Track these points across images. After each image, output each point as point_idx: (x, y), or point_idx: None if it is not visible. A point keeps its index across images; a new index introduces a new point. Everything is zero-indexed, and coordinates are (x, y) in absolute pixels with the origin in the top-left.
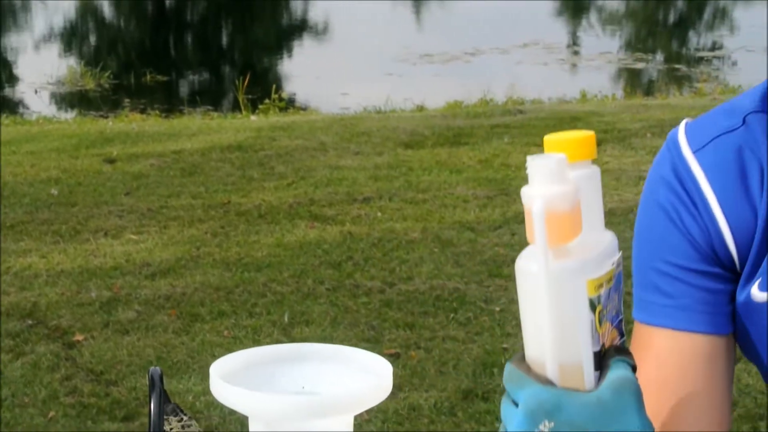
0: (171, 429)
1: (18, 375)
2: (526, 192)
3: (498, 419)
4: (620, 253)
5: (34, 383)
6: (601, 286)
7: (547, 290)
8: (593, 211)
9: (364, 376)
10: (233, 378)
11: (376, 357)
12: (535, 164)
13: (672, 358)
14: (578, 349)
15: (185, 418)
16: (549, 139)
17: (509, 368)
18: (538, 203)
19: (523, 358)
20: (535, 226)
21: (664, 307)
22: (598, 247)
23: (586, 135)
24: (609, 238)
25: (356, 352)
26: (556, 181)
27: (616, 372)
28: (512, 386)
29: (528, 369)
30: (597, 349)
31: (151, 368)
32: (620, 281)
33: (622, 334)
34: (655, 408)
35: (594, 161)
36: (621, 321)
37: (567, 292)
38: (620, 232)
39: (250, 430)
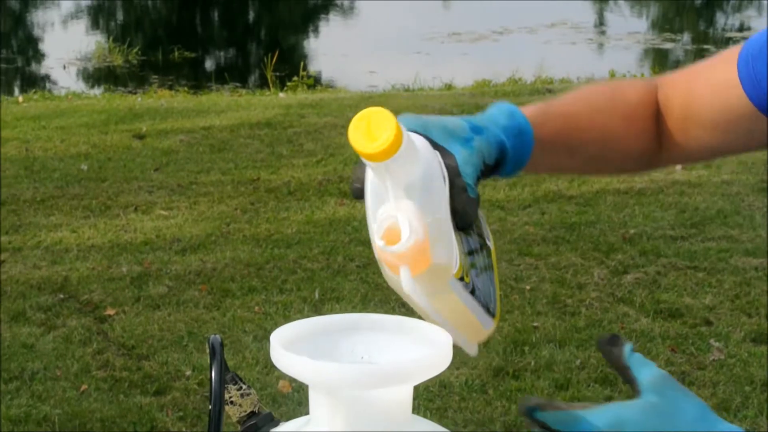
0: (230, 397)
1: (50, 348)
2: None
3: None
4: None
5: (66, 357)
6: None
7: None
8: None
9: (424, 346)
10: (293, 346)
11: (436, 328)
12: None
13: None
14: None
15: (244, 387)
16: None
17: (558, 415)
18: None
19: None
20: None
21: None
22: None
23: (393, 135)
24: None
25: (416, 323)
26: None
27: (645, 372)
28: (569, 425)
29: (568, 404)
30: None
31: (212, 336)
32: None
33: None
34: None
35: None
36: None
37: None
38: (650, 212)
39: (310, 398)
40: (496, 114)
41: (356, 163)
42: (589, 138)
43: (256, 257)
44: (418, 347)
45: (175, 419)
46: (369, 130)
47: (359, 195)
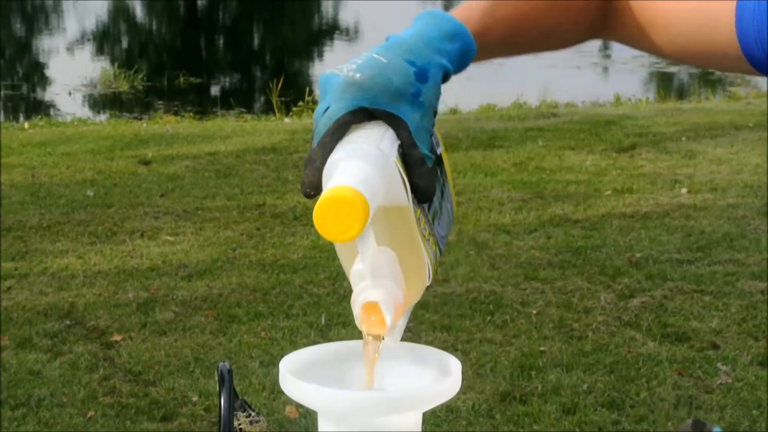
0: (239, 425)
1: (56, 375)
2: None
3: (536, 421)
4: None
5: (72, 383)
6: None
7: None
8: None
9: (433, 373)
10: (302, 374)
11: (445, 354)
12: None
13: None
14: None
15: (253, 414)
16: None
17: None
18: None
19: None
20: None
21: None
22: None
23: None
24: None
25: (425, 350)
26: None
27: None
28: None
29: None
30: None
31: (220, 364)
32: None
33: None
34: None
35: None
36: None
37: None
38: (656, 236)
39: (318, 425)
40: (436, 37)
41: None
42: (532, 36)
43: (263, 282)
44: (428, 374)
45: None
46: (334, 216)
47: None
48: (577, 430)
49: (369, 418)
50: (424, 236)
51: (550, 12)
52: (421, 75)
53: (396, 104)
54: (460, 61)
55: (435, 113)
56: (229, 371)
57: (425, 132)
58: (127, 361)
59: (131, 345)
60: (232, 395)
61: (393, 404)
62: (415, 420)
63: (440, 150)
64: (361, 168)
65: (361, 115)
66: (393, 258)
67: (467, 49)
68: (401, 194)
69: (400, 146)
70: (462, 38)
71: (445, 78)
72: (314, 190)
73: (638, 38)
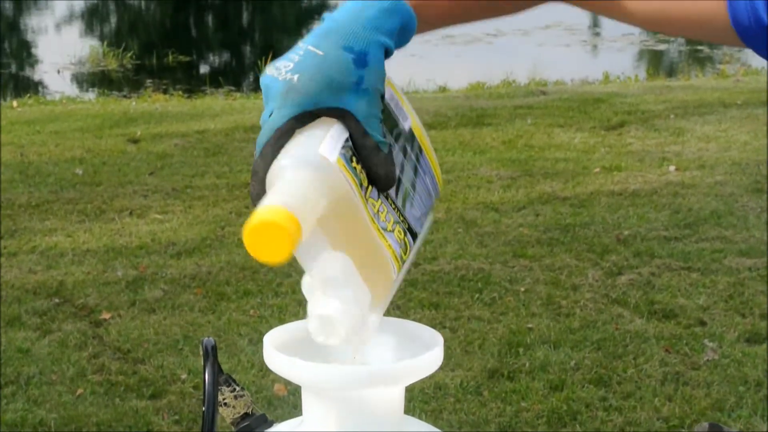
0: (224, 399)
1: (45, 353)
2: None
3: (524, 397)
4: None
5: (61, 361)
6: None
7: None
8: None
9: (415, 347)
10: (286, 348)
11: (427, 329)
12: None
13: None
14: None
15: (238, 388)
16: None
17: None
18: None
19: None
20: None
21: None
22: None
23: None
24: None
25: (407, 324)
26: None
27: None
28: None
29: None
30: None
31: (205, 339)
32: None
33: None
34: None
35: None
36: None
37: None
38: (644, 213)
39: (302, 399)
40: (374, 15)
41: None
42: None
43: (252, 260)
44: (410, 348)
45: (171, 423)
46: (264, 238)
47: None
48: (565, 406)
49: (351, 391)
50: (386, 229)
51: None
52: (361, 61)
53: (339, 97)
54: (402, 36)
55: (383, 96)
56: (214, 346)
57: (374, 118)
58: (116, 339)
59: (120, 323)
60: (217, 370)
61: (375, 378)
62: (398, 394)
63: (409, 123)
64: (297, 180)
65: (305, 118)
66: (346, 263)
67: (407, 23)
68: (348, 194)
69: (351, 138)
70: (401, 12)
71: (387, 55)
72: (262, 188)
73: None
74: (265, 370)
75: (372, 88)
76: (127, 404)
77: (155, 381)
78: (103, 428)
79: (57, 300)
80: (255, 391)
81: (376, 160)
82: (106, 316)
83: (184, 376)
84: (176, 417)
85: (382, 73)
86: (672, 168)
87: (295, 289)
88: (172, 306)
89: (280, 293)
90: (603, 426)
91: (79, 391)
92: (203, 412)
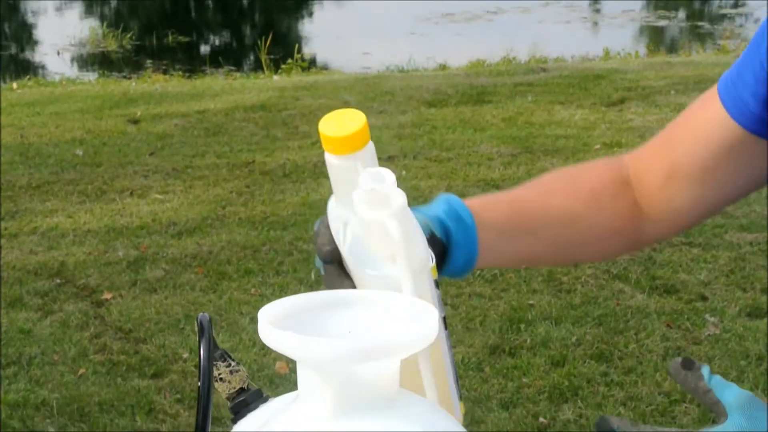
0: (219, 374)
1: (47, 333)
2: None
3: (525, 373)
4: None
5: (63, 341)
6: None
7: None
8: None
9: (410, 321)
10: (281, 323)
11: (421, 302)
12: (360, 196)
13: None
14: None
15: (233, 363)
16: (335, 136)
17: None
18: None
19: None
20: (395, 237)
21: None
22: (420, 243)
23: (360, 126)
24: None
25: (402, 298)
26: (383, 207)
27: (729, 394)
28: None
29: (652, 427)
30: (443, 315)
31: (200, 315)
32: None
33: None
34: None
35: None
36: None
37: (424, 279)
38: None
39: (298, 373)
40: (431, 205)
41: (317, 228)
42: (547, 219)
43: (252, 240)
44: (405, 321)
45: (172, 401)
46: (339, 127)
47: (332, 258)
48: (566, 382)
49: (346, 365)
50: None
51: (563, 194)
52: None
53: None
54: (458, 224)
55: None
56: (209, 321)
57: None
58: (118, 319)
59: (121, 303)
60: (212, 345)
61: (369, 351)
62: (394, 367)
63: (443, 314)
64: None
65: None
66: None
67: (461, 213)
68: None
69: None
70: (453, 203)
71: (446, 233)
72: (331, 244)
73: None
74: (266, 349)
75: (420, 221)
76: (129, 384)
77: (157, 360)
78: (105, 408)
79: (58, 280)
80: (257, 369)
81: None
82: (107, 296)
83: (185, 355)
84: (178, 396)
85: (428, 224)
86: None
87: (296, 268)
88: (174, 285)
89: (282, 272)
90: (604, 401)
91: (81, 371)
92: (198, 387)
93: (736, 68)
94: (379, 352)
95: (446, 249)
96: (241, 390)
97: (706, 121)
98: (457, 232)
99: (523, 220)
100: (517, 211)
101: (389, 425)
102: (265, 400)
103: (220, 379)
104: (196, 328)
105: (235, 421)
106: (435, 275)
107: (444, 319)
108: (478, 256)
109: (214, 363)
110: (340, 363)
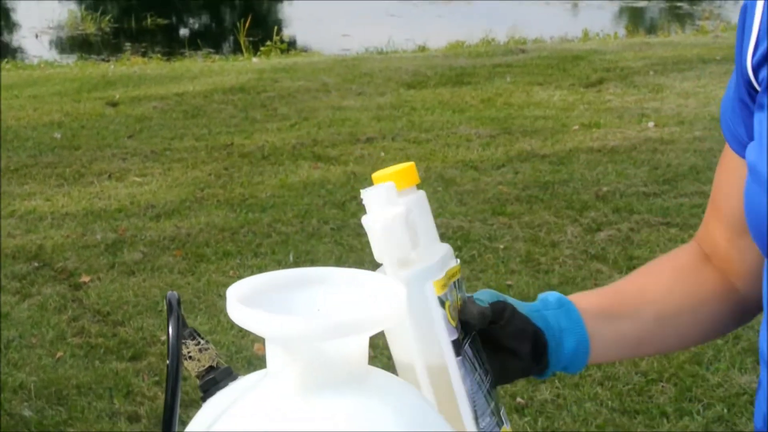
0: (188, 352)
1: (25, 316)
2: (366, 220)
3: None
4: (458, 261)
5: (41, 324)
6: (445, 285)
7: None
8: (426, 227)
9: (379, 298)
10: (250, 301)
11: (389, 280)
12: (368, 194)
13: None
14: (439, 345)
15: (202, 341)
16: (377, 175)
17: None
18: (379, 223)
19: None
20: (378, 244)
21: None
22: (435, 256)
23: (408, 165)
24: (445, 248)
25: (371, 275)
26: (390, 205)
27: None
28: None
29: None
30: (454, 338)
31: (169, 293)
32: (462, 282)
33: None
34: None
35: (418, 186)
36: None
37: (416, 293)
38: (623, 169)
39: (266, 351)
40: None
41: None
42: (643, 299)
43: (231, 222)
44: (374, 299)
45: (150, 384)
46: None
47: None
48: None
49: (313, 342)
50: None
51: (654, 274)
52: None
53: None
54: (561, 311)
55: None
56: (178, 300)
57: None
58: (96, 302)
59: (100, 286)
60: (181, 323)
61: (337, 327)
62: (362, 344)
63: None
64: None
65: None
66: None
67: (561, 300)
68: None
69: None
70: (550, 295)
71: (546, 323)
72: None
73: None
74: (245, 331)
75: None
76: (107, 366)
77: (135, 343)
78: (83, 390)
79: (36, 264)
80: (235, 351)
81: (465, 308)
82: (85, 279)
83: (163, 338)
84: (156, 378)
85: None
86: (651, 124)
87: (275, 250)
88: (152, 268)
89: (260, 254)
90: (582, 381)
91: (59, 354)
92: (167, 365)
93: (725, 101)
94: (347, 328)
95: (547, 340)
96: (211, 368)
97: (728, 171)
98: (559, 318)
99: (619, 302)
100: (610, 297)
101: (358, 401)
102: (234, 378)
103: (189, 357)
104: (165, 307)
105: (204, 399)
106: (458, 274)
107: (456, 341)
108: (590, 341)
109: (183, 341)
110: (308, 340)
